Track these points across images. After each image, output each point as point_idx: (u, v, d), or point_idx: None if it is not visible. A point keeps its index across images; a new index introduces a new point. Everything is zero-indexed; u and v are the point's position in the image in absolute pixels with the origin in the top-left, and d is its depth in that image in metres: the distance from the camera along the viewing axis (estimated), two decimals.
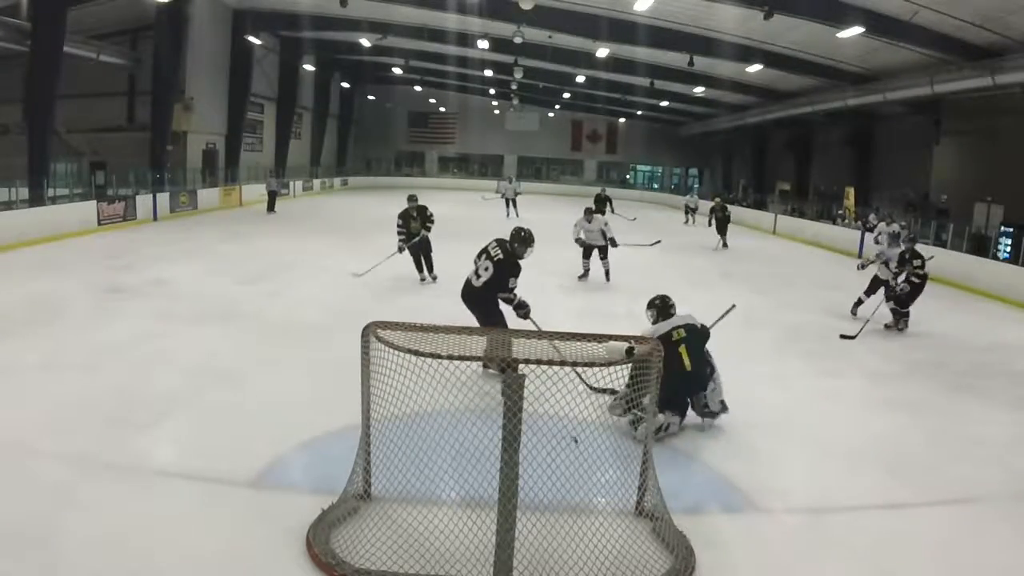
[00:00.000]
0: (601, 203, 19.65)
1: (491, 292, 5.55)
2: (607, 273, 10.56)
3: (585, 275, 10.62)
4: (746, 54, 18.07)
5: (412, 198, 9.79)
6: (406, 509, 3.38)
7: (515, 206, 21.51)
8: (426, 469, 3.28)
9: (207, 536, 3.26)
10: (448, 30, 20.81)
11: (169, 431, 4.48)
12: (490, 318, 5.50)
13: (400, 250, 9.54)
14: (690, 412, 4.80)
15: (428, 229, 9.61)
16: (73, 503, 3.47)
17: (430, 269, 9.69)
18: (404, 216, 9.56)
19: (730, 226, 16.88)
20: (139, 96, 20.65)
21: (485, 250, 5.69)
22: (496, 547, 2.86)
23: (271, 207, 20.13)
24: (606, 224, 10.45)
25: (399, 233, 9.53)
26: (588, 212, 10.63)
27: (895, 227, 12.88)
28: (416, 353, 3.08)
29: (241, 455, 4.04)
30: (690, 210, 23.39)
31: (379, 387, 3.30)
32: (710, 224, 17.39)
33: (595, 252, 10.50)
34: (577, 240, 10.45)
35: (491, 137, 40.39)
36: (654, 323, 4.98)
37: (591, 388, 4.20)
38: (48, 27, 14.57)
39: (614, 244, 10.49)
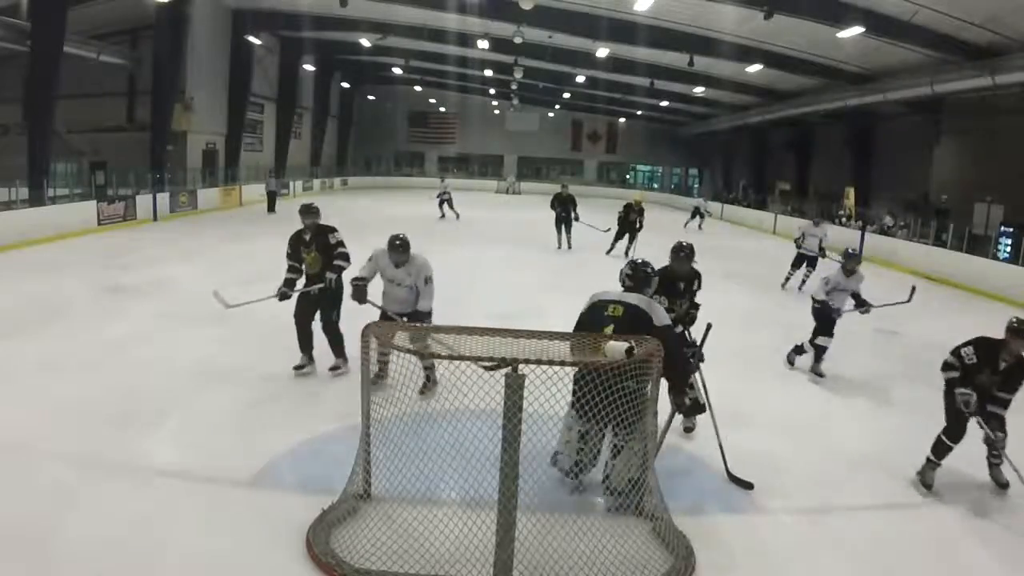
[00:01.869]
0: (565, 206, 14.05)
1: None
2: (379, 369, 4.58)
3: (380, 377, 4.48)
4: (746, 54, 18.08)
5: (307, 210, 5.74)
6: (406, 509, 3.38)
7: (451, 207, 19.65)
8: (426, 469, 3.28)
9: (207, 536, 3.26)
10: (448, 30, 20.83)
11: (169, 431, 4.47)
12: None
13: (281, 296, 5.63)
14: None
15: (338, 269, 5.44)
16: (73, 503, 3.47)
17: (339, 351, 5.60)
18: (294, 243, 5.75)
19: (731, 226, 16.77)
20: (139, 96, 20.66)
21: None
22: (496, 547, 2.86)
23: (271, 207, 20.12)
24: (427, 281, 5.11)
25: (289, 269, 5.68)
26: (398, 248, 5.07)
27: (825, 227, 11.76)
28: (416, 353, 3.08)
29: (241, 455, 4.04)
30: (700, 214, 21.31)
31: (379, 387, 3.29)
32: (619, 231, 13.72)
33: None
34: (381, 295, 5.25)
35: (491, 137, 40.39)
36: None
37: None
38: (48, 27, 14.57)
39: (421, 314, 5.13)
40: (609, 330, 3.68)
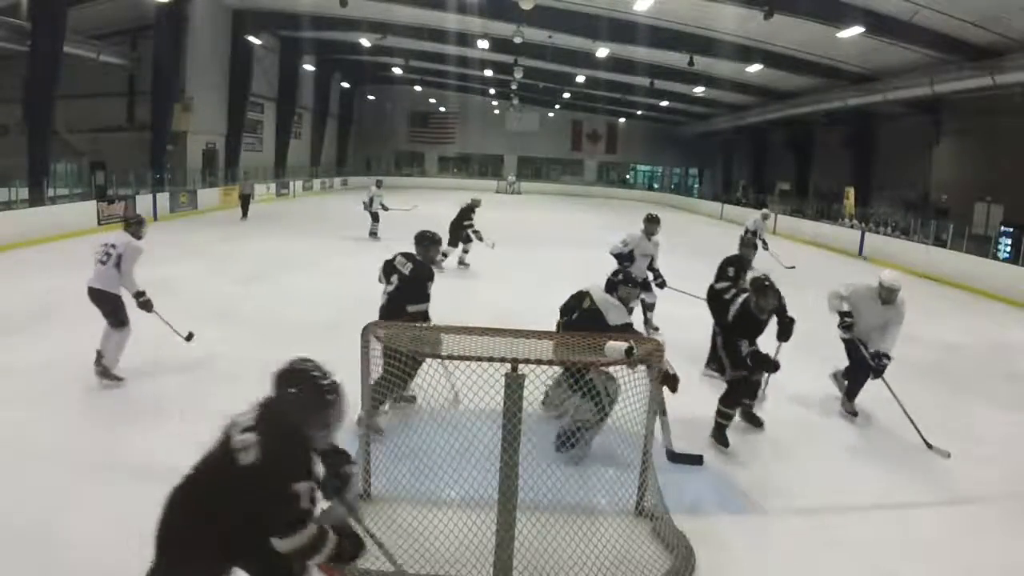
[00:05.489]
0: (461, 222, 11.18)
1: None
2: None
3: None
4: (746, 54, 18.09)
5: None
6: (406, 509, 3.38)
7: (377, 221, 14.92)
8: (426, 469, 3.28)
9: None
10: (448, 30, 20.83)
11: (169, 431, 4.46)
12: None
13: None
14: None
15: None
16: (73, 503, 3.47)
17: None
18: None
19: (732, 227, 16.69)
20: (139, 96, 20.66)
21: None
22: (496, 547, 2.86)
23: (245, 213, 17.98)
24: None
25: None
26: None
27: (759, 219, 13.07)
28: (416, 353, 3.08)
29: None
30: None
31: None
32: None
33: None
34: None
35: (491, 137, 40.43)
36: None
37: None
38: (48, 27, 14.57)
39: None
40: (574, 317, 4.37)
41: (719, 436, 4.55)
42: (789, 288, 6.94)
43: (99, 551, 3.09)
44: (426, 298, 4.68)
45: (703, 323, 7.64)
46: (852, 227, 18.31)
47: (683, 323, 7.84)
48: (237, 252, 12.18)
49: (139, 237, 5.47)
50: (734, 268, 6.24)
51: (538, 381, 2.87)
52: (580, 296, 4.51)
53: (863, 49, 15.92)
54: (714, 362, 5.35)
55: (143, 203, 15.98)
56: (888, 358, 4.96)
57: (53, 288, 8.52)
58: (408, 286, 4.65)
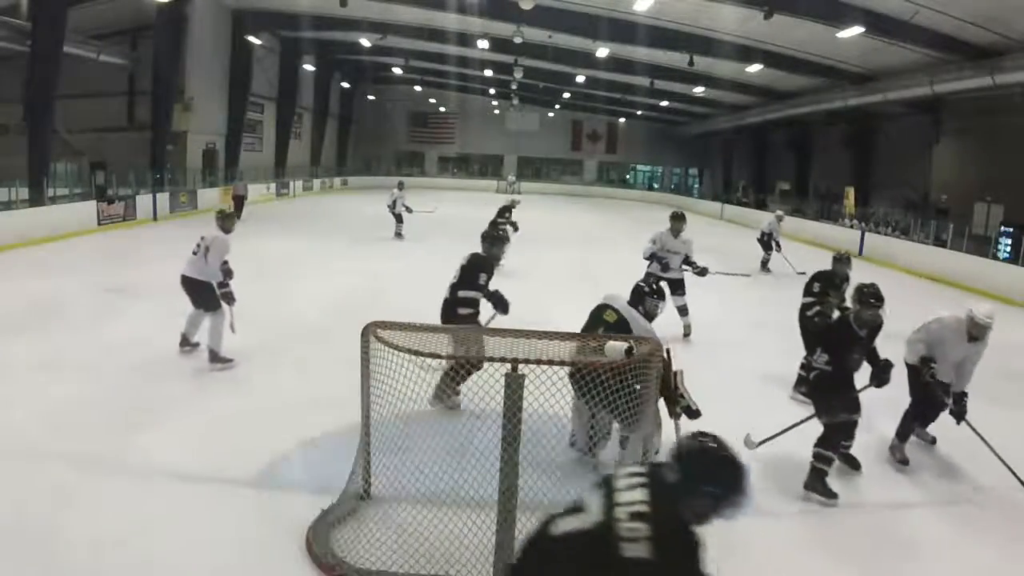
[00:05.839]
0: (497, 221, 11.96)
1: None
2: None
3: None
4: (746, 54, 18.10)
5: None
6: (406, 509, 3.38)
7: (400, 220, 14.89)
8: (426, 469, 3.28)
9: (207, 536, 3.26)
10: (448, 30, 20.83)
11: (169, 431, 4.47)
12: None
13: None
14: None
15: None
16: (73, 503, 3.47)
17: None
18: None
19: (732, 226, 16.67)
20: (139, 96, 20.66)
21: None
22: (496, 547, 2.86)
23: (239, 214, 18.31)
24: None
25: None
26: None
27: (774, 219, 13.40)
28: (416, 353, 3.08)
29: (241, 455, 4.04)
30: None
31: (379, 387, 3.29)
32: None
33: None
34: None
35: (491, 137, 40.45)
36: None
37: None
38: (48, 27, 14.56)
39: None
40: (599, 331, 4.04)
41: (820, 486, 3.95)
42: (796, 292, 6.97)
43: (99, 551, 3.09)
44: (477, 287, 4.93)
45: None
46: (852, 227, 18.33)
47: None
48: (238, 252, 12.11)
49: (227, 230, 5.87)
50: (820, 284, 5.88)
51: (538, 381, 2.86)
52: (600, 309, 4.18)
53: (863, 49, 15.92)
54: (803, 384, 5.04)
55: (143, 203, 15.99)
56: (966, 396, 4.50)
57: (53, 288, 8.53)
58: (464, 274, 4.97)
